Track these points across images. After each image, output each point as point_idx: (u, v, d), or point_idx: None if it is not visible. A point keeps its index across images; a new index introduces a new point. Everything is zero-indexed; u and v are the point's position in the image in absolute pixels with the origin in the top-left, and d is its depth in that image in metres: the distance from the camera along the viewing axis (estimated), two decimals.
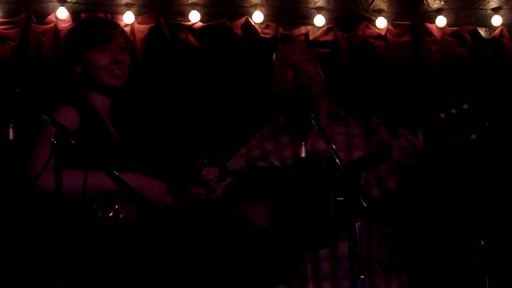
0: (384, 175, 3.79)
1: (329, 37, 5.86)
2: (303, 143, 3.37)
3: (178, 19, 5.78)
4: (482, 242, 4.09)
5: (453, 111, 3.33)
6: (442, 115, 3.34)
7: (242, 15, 5.81)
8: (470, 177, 5.61)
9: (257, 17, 5.81)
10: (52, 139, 2.81)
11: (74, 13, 5.55)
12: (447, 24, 5.99)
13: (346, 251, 3.68)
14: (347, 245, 3.67)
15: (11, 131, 3.63)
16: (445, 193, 5.49)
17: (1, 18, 5.49)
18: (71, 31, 3.90)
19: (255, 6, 5.83)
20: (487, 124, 3.31)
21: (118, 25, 3.96)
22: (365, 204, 3.04)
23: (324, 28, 5.89)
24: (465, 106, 3.32)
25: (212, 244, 4.14)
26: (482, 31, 6.05)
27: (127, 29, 5.48)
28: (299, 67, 3.90)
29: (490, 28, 6.08)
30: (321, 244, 3.68)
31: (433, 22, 5.99)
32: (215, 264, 4.25)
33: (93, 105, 3.62)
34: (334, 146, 3.34)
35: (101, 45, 3.65)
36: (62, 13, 5.54)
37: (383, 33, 5.93)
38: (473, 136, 3.31)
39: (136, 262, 3.47)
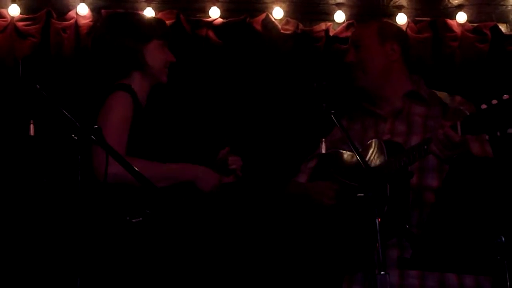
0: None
1: (350, 33, 5.80)
2: (323, 139, 3.35)
3: (198, 15, 5.79)
4: (503, 239, 4.06)
5: (494, 102, 3.13)
6: (484, 106, 3.15)
7: (262, 11, 5.82)
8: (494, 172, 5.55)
9: (277, 13, 5.81)
10: (73, 135, 2.83)
11: (94, 10, 5.58)
12: (467, 20, 5.97)
13: None
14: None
15: (31, 126, 3.65)
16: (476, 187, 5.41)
17: (22, 14, 5.52)
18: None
19: (275, 2, 5.83)
20: None
21: None
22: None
23: (344, 24, 5.88)
24: (505, 97, 3.12)
25: (292, 230, 4.12)
26: (502, 27, 6.02)
27: None
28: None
29: (511, 24, 6.05)
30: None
31: (453, 18, 5.97)
32: (295, 251, 4.22)
33: (136, 94, 3.65)
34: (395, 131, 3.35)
35: (166, 41, 3.71)
36: (83, 9, 5.57)
37: (403, 29, 5.91)
38: (511, 130, 3.12)
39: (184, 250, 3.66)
